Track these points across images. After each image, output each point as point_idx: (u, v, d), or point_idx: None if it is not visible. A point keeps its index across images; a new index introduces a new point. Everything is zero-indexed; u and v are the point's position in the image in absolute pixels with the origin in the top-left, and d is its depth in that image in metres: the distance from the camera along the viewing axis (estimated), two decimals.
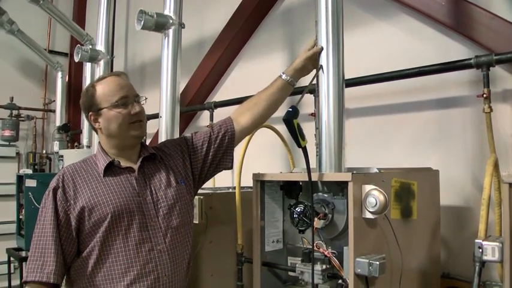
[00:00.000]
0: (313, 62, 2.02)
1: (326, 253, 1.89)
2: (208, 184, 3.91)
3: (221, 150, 2.04)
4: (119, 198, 1.77)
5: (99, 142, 1.94)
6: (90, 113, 1.88)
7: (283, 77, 2.05)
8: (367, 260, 1.67)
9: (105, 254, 1.74)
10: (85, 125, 4.96)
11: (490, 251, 1.71)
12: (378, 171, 1.93)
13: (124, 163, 1.88)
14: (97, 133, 1.95)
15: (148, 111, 4.74)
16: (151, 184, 1.87)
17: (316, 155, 1.97)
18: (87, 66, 5.28)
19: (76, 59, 4.11)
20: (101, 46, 4.11)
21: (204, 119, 4.46)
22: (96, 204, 1.75)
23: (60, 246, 1.72)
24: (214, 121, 4.00)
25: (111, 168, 1.85)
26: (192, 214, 2.01)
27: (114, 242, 1.74)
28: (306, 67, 2.04)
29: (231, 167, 2.08)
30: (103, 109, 1.84)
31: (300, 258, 2.02)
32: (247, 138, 2.55)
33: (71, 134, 6.12)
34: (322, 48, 1.98)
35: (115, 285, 1.71)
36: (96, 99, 1.85)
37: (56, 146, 5.96)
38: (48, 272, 1.68)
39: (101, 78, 1.92)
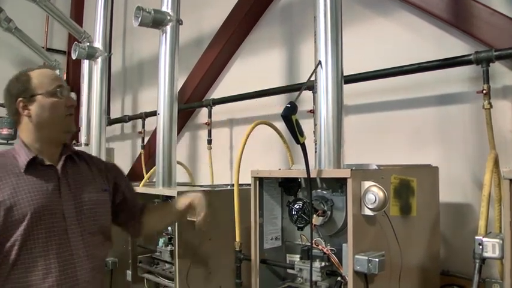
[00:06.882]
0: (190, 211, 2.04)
1: (325, 250, 1.88)
2: (207, 181, 3.92)
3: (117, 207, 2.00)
4: (41, 198, 1.66)
5: (20, 135, 1.80)
6: (20, 99, 1.73)
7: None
8: (367, 257, 1.66)
9: (23, 257, 1.62)
10: (83, 122, 4.94)
11: (491, 247, 1.70)
12: (377, 167, 1.92)
13: (46, 160, 1.76)
14: (17, 124, 1.80)
15: (147, 108, 4.75)
16: (74, 186, 1.78)
17: (315, 152, 1.96)
18: (85, 64, 5.26)
19: (73, 56, 4.09)
20: (98, 43, 4.08)
21: (202, 116, 4.44)
22: (16, 203, 1.62)
23: None
24: (213, 118, 4.00)
25: (33, 165, 1.71)
26: (110, 222, 1.94)
27: (34, 244, 1.63)
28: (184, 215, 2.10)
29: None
30: (37, 95, 1.73)
31: (298, 256, 2.02)
32: (245, 134, 2.54)
33: None
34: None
35: None
36: (30, 84, 1.74)
37: None
38: None
39: (33, 69, 1.82)
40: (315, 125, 1.98)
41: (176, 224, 2.50)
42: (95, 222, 1.80)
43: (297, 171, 2.04)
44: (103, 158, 3.84)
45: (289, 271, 2.06)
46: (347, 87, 2.09)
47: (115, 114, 5.78)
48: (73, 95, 1.88)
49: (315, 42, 2.01)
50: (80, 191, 1.78)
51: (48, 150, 1.78)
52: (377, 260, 1.65)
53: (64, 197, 1.73)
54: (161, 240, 2.78)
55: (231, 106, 3.96)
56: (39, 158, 1.73)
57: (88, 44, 4.22)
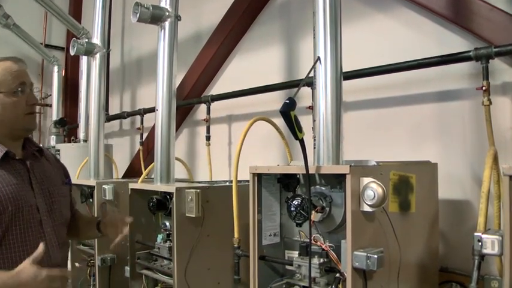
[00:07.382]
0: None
1: (323, 246, 1.88)
2: (205, 177, 3.92)
3: None
4: (18, 192, 1.69)
5: None
6: None
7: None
8: (365, 254, 1.65)
9: (2, 249, 1.66)
10: (82, 119, 4.93)
11: (490, 244, 1.69)
12: (376, 164, 1.91)
13: (16, 154, 1.78)
14: None
15: (146, 104, 4.74)
16: (41, 179, 1.83)
17: (314, 148, 1.95)
18: (84, 60, 5.26)
19: (72, 52, 4.07)
20: (96, 39, 4.06)
21: (201, 112, 4.43)
22: None
23: None
24: (211, 115, 3.99)
25: (6, 159, 1.74)
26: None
27: (12, 236, 1.67)
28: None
29: None
30: None
31: (297, 252, 2.01)
32: (244, 131, 2.53)
33: (67, 128, 6.09)
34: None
35: None
36: None
37: (52, 141, 5.94)
38: None
39: None
40: (314, 121, 1.97)
41: (175, 220, 2.50)
42: (62, 214, 1.88)
43: (296, 167, 2.03)
44: (101, 154, 3.84)
45: (288, 267, 2.06)
46: (346, 84, 2.08)
47: (113, 110, 5.77)
48: (36, 91, 1.86)
49: (313, 38, 2.00)
50: (46, 184, 1.84)
51: (10, 144, 1.79)
52: (376, 256, 1.64)
53: (35, 189, 1.78)
54: (160, 237, 2.77)
55: (229, 102, 3.95)
56: (11, 152, 1.76)
57: (86, 40, 4.21)
